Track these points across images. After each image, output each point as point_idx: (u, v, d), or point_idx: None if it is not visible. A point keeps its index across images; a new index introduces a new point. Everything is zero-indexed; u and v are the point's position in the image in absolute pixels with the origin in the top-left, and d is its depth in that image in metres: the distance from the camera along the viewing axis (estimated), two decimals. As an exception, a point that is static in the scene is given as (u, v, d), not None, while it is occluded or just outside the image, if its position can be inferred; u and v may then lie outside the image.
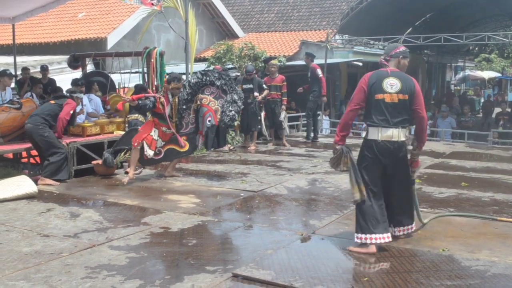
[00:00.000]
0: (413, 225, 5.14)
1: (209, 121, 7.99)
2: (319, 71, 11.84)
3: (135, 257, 4.60)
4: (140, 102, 7.71)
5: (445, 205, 6.41)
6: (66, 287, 3.94)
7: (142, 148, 7.81)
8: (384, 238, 4.75)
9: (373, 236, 4.72)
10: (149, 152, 7.76)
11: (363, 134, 5.00)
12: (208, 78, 8.08)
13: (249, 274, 4.18)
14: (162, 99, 7.82)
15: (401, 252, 4.73)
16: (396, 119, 4.77)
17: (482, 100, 28.40)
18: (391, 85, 4.78)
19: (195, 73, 8.37)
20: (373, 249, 4.71)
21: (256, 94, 11.04)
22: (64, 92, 8.81)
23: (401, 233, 5.07)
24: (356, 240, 4.79)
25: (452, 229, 5.44)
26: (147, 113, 8.35)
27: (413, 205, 5.20)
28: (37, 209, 6.23)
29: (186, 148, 8.07)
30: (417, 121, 4.94)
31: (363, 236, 4.75)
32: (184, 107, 8.04)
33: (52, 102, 8.29)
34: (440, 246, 4.89)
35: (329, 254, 4.76)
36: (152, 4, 11.30)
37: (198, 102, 8.04)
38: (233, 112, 8.03)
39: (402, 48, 5.03)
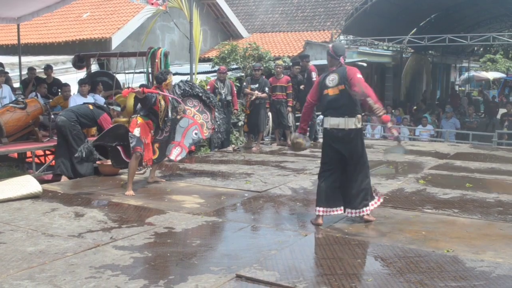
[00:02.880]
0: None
1: (196, 134, 7.99)
2: (313, 74, 11.74)
3: (139, 257, 4.60)
4: (149, 95, 7.31)
5: (450, 206, 6.40)
6: (71, 287, 3.95)
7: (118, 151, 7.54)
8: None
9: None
10: (148, 165, 7.63)
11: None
12: (196, 90, 8.23)
13: (253, 275, 4.18)
14: (160, 96, 7.43)
15: (405, 253, 4.72)
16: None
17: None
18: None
19: (184, 82, 8.34)
20: (319, 221, 5.55)
21: (257, 92, 11.07)
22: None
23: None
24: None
25: (456, 230, 5.43)
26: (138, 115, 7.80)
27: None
28: (41, 209, 6.24)
29: (156, 156, 7.72)
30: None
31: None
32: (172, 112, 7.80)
33: (91, 107, 8.55)
34: (445, 247, 4.88)
35: (334, 255, 4.75)
36: (158, 4, 11.32)
37: (180, 113, 7.84)
38: (222, 128, 8.55)
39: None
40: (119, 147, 7.49)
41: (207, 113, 8.30)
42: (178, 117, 7.88)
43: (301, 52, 19.67)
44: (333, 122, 5.47)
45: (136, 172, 8.28)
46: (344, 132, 5.44)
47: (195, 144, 8.47)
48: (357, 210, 5.57)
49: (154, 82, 8.37)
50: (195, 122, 8.06)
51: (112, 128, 7.76)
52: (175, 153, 7.90)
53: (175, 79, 8.35)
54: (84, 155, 7.27)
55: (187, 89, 8.22)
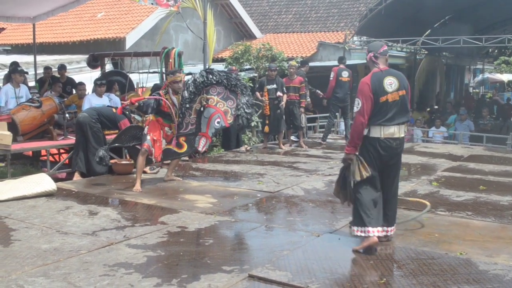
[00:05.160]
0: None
1: (218, 122, 7.69)
2: (331, 74, 11.95)
3: (152, 256, 4.63)
4: (141, 103, 7.37)
5: (463, 208, 6.37)
6: (85, 284, 3.98)
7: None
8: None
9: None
10: (156, 161, 7.62)
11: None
12: (214, 78, 7.73)
13: (265, 275, 4.19)
14: (167, 96, 7.50)
15: (418, 255, 4.70)
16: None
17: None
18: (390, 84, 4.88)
19: (200, 72, 7.94)
20: (375, 239, 4.76)
21: (279, 93, 11.02)
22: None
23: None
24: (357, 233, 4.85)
25: (470, 233, 5.40)
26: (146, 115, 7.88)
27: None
28: (56, 207, 6.29)
29: (184, 149, 7.73)
30: None
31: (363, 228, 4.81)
32: (187, 106, 7.65)
33: (114, 110, 8.70)
34: (458, 249, 4.86)
35: (346, 256, 4.75)
36: (169, 5, 11.35)
37: (204, 103, 7.69)
38: (248, 115, 7.82)
39: (386, 47, 5.12)
40: (138, 146, 7.60)
41: (233, 99, 7.78)
42: (202, 109, 7.70)
43: (314, 53, 19.66)
44: (388, 131, 4.83)
45: (150, 172, 8.38)
46: (398, 141, 4.89)
47: (219, 130, 8.01)
48: (392, 228, 5.04)
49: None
50: (218, 111, 7.72)
51: (127, 129, 7.91)
52: (202, 144, 7.80)
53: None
54: (99, 158, 7.50)
55: (210, 77, 7.77)
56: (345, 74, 11.96)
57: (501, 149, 12.88)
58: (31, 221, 5.69)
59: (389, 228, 5.01)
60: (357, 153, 4.88)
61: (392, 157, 4.91)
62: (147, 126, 7.51)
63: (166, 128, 7.62)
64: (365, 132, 4.86)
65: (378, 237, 4.80)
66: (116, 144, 7.93)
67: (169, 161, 8.29)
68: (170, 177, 7.92)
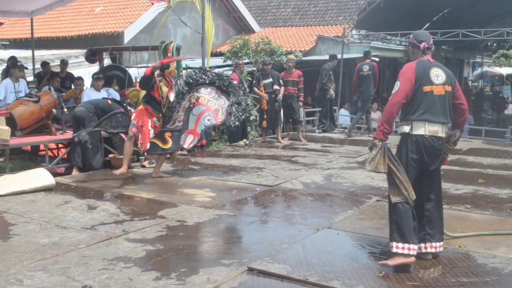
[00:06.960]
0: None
1: (208, 120, 7.74)
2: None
3: (151, 250, 4.64)
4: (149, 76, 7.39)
5: (462, 201, 6.37)
6: (84, 278, 3.99)
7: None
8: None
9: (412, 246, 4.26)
10: (142, 148, 7.58)
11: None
12: (206, 78, 7.86)
13: (265, 268, 4.20)
14: (161, 83, 7.49)
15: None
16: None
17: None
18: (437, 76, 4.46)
19: (193, 70, 8.07)
20: (413, 259, 4.26)
21: (276, 87, 11.01)
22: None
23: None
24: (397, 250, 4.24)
25: (468, 226, 5.41)
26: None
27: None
28: (54, 201, 6.30)
29: (169, 145, 7.71)
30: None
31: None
32: (178, 102, 7.72)
33: (109, 102, 8.66)
34: (457, 242, 4.86)
35: (345, 249, 4.76)
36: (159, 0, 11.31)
37: (193, 101, 7.75)
38: (240, 113, 7.87)
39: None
40: (123, 135, 7.63)
41: (224, 99, 7.87)
42: (192, 105, 7.75)
43: (313, 47, 19.61)
44: (432, 128, 4.34)
45: (148, 166, 8.38)
46: (441, 141, 4.42)
47: (209, 128, 8.00)
48: (441, 244, 4.50)
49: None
50: (208, 109, 7.79)
51: (112, 115, 7.89)
52: (188, 141, 7.79)
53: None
54: (79, 140, 7.54)
55: (203, 76, 7.90)
56: (365, 68, 12.09)
57: (499, 143, 12.87)
58: (30, 215, 5.69)
59: (437, 244, 4.48)
60: (385, 143, 4.31)
61: (434, 160, 4.43)
62: (134, 114, 7.62)
63: (155, 119, 7.61)
64: (407, 129, 4.35)
65: (423, 253, 4.45)
66: (99, 129, 7.93)
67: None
68: (158, 173, 7.83)
